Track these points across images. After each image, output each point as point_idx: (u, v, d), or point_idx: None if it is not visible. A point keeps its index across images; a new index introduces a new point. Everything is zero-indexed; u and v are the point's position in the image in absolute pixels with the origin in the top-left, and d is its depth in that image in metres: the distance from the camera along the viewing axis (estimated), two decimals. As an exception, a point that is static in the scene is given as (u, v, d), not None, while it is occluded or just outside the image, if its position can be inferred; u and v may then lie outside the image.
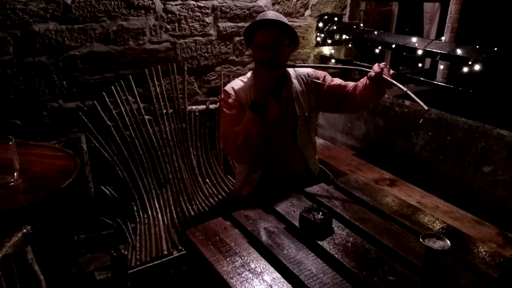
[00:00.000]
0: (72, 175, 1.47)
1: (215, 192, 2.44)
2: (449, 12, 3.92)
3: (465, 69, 2.26)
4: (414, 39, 2.52)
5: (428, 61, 4.22)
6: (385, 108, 2.69)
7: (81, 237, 2.03)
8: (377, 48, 2.70)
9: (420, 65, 4.28)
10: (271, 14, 1.90)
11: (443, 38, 3.94)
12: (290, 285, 1.27)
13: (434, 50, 2.42)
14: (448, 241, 1.19)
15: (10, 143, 1.42)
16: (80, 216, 2.15)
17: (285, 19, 1.89)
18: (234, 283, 1.27)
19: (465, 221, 2.08)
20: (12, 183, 1.46)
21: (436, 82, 2.58)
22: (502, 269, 1.04)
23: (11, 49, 2.01)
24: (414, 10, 4.12)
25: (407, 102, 2.58)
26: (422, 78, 2.70)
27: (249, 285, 1.26)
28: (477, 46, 2.33)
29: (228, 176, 2.58)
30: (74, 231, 2.05)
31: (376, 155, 2.80)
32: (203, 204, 2.33)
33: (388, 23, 3.99)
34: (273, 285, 1.26)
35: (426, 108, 1.56)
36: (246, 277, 1.29)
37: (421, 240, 1.19)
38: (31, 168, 1.58)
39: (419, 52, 2.44)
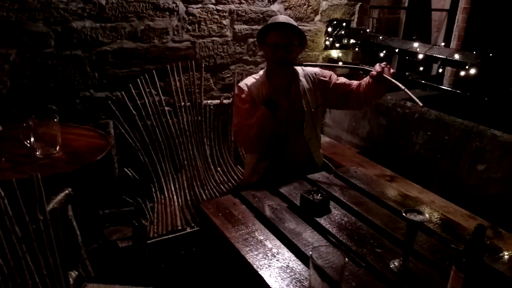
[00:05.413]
0: (105, 150, 1.69)
1: (225, 179, 2.58)
2: (456, 21, 4.01)
3: (462, 73, 2.41)
4: (416, 44, 2.64)
5: (435, 67, 4.34)
6: (387, 108, 2.78)
7: (105, 211, 2.22)
8: (382, 52, 2.83)
9: (433, 71, 4.38)
10: (282, 18, 2.06)
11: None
12: (289, 251, 1.42)
13: (434, 55, 2.53)
14: (427, 215, 1.37)
15: (55, 120, 1.65)
16: (105, 193, 2.32)
17: (294, 22, 2.05)
18: (240, 246, 1.43)
19: (458, 215, 2.16)
20: (55, 154, 1.67)
21: (439, 86, 2.71)
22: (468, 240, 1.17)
23: (53, 43, 2.20)
24: (421, 18, 4.24)
25: (408, 103, 2.66)
26: (421, 82, 2.83)
27: (253, 248, 1.42)
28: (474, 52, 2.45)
29: (238, 166, 2.72)
30: (99, 206, 2.25)
31: (379, 153, 2.88)
32: (214, 190, 2.48)
33: (396, 30, 4.13)
34: (273, 249, 1.42)
35: (421, 104, 1.72)
36: (250, 241, 1.46)
37: (403, 214, 1.37)
38: (70, 144, 1.78)
39: (420, 56, 2.56)
